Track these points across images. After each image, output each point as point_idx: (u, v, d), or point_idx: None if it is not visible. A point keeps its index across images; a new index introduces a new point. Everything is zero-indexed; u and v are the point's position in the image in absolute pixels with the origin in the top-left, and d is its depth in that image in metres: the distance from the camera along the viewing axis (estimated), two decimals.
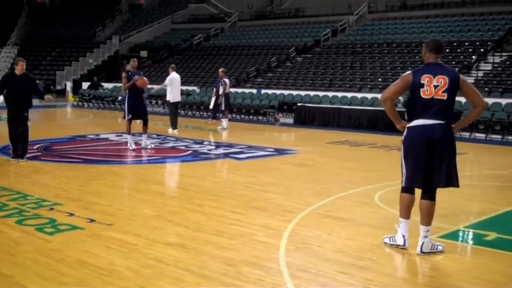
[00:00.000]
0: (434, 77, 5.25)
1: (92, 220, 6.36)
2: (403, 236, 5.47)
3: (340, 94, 22.76)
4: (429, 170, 5.29)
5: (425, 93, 5.25)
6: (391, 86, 5.60)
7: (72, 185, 8.43)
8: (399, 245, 5.49)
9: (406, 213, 5.49)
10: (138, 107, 12.34)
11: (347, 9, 33.02)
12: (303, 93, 23.79)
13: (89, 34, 40.14)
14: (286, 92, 24.33)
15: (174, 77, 16.26)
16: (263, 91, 25.04)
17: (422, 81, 5.27)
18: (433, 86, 5.23)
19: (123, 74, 12.58)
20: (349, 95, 22.46)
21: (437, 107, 5.23)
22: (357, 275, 4.81)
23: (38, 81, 10.81)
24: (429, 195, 5.37)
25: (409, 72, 5.45)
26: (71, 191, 8.03)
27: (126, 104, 12.50)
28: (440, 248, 5.39)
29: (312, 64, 28.35)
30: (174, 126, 16.09)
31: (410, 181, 5.41)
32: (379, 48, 27.32)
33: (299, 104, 21.10)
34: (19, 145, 10.24)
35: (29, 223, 6.22)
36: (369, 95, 21.49)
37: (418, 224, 5.41)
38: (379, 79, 23.89)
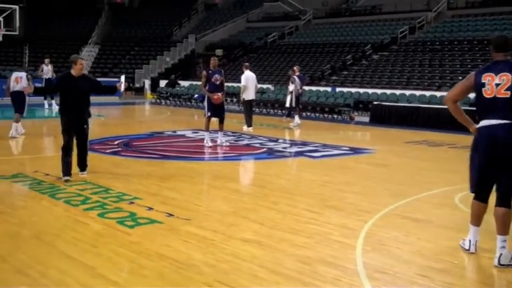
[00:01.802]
0: (496, 75, 5.03)
1: (170, 214, 6.50)
2: (470, 241, 5.28)
3: (418, 92, 22.23)
4: (494, 174, 5.05)
5: (487, 92, 5.05)
6: (455, 86, 5.45)
7: (150, 180, 8.65)
8: (465, 249, 5.30)
9: (476, 221, 5.27)
10: (217, 106, 12.50)
11: (425, 6, 32.16)
12: (379, 91, 23.40)
13: (166, 33, 41.02)
14: (361, 90, 24.00)
15: (248, 75, 16.42)
16: (338, 89, 24.77)
17: (483, 81, 5.08)
18: (494, 85, 5.01)
19: (203, 73, 12.77)
20: (427, 93, 21.90)
21: (500, 106, 4.99)
22: (436, 278, 4.67)
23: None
24: (502, 202, 5.05)
25: (474, 72, 5.27)
26: (150, 185, 8.23)
27: (206, 102, 12.69)
28: None
29: (388, 62, 27.83)
30: (249, 124, 16.19)
31: (474, 186, 5.21)
32: (459, 46, 26.47)
33: (375, 103, 20.73)
34: (78, 158, 8.62)
35: (110, 216, 6.43)
36: None
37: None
38: (459, 77, 23.08)
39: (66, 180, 8.15)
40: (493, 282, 4.85)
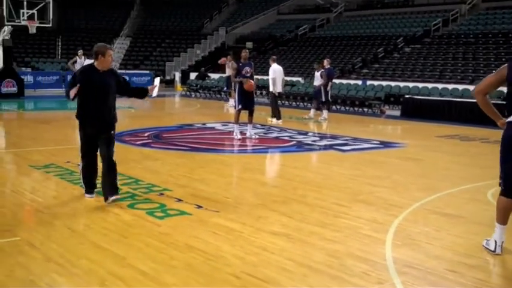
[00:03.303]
0: None
1: (199, 206, 6.53)
2: (495, 242, 5.07)
3: (450, 86, 21.89)
4: None
5: None
6: (485, 78, 5.26)
7: (180, 172, 8.70)
8: (490, 251, 5.11)
9: (502, 218, 5.07)
10: (247, 99, 12.52)
11: None
12: (410, 84, 23.11)
13: (197, 26, 41.18)
14: (393, 84, 23.72)
15: (275, 68, 16.46)
16: (369, 82, 24.55)
17: None
18: None
19: (233, 65, 12.85)
20: (460, 87, 21.55)
21: None
22: (467, 274, 4.60)
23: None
24: None
25: (506, 64, 5.09)
26: (179, 177, 8.28)
27: (236, 95, 12.73)
28: None
29: (421, 55, 27.45)
30: (278, 117, 16.16)
31: (509, 185, 4.99)
32: (493, 39, 25.95)
33: (407, 96, 20.51)
34: (104, 180, 6.68)
35: (140, 207, 6.49)
36: None
37: None
38: (493, 71, 22.55)
39: (89, 197, 6.82)
40: None
